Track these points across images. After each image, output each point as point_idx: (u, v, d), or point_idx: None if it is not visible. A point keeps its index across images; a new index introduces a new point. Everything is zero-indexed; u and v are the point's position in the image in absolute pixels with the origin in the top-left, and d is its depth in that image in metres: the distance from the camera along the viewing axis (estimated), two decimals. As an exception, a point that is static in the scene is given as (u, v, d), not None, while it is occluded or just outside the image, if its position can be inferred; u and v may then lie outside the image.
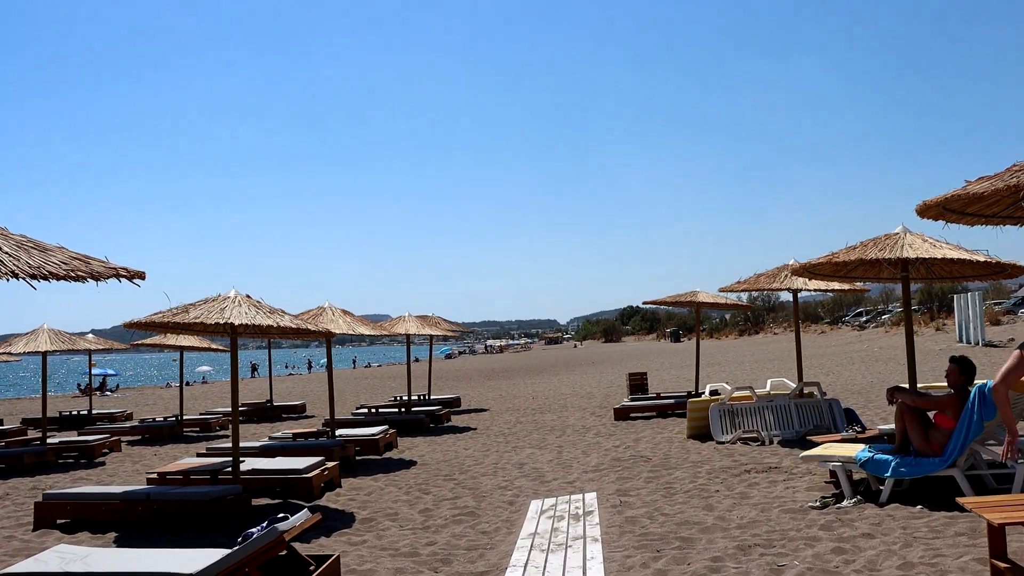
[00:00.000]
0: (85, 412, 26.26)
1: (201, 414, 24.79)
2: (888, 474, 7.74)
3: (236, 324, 9.09)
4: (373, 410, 19.97)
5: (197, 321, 8.97)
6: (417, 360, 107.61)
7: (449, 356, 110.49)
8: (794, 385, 14.33)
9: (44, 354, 15.71)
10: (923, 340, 46.06)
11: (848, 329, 73.45)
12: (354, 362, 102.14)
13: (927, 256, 8.33)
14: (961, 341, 41.11)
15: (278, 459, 11.33)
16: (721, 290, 14.10)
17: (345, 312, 14.02)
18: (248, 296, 10.00)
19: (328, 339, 14.06)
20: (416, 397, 24.57)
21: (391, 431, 15.17)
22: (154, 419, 21.85)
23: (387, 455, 14.36)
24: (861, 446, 8.51)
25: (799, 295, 14.40)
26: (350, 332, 13.36)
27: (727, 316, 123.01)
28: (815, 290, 13.51)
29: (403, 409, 19.54)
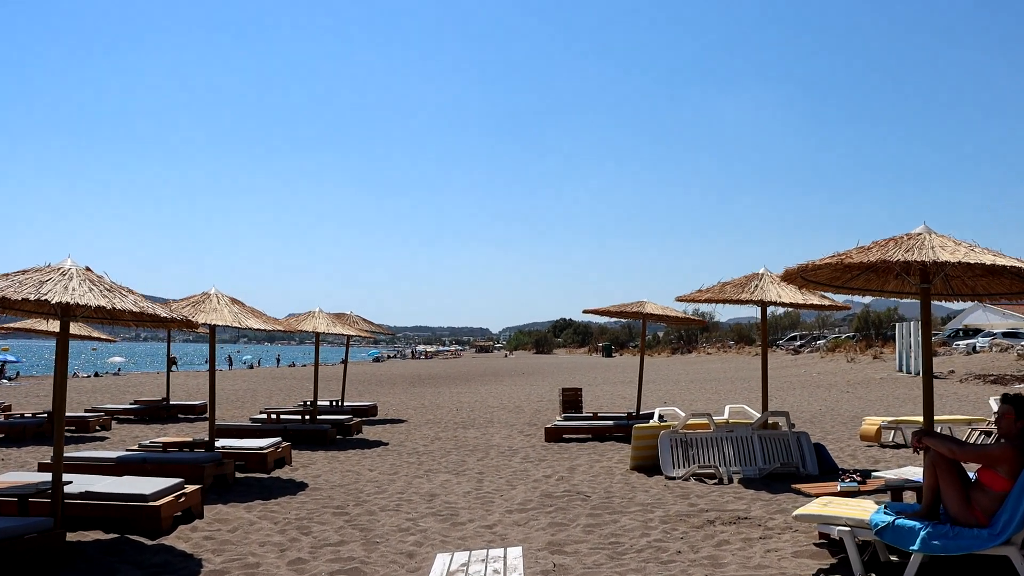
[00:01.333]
0: (-46, 402, 23.43)
1: (86, 410, 22.14)
2: (916, 547, 5.75)
3: (55, 302, 6.81)
4: (274, 416, 17.62)
5: None
6: (379, 360, 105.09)
7: (377, 359, 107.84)
8: (756, 414, 12.42)
9: None
10: (861, 368, 44.98)
11: (782, 352, 72.62)
12: (278, 360, 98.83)
13: (971, 261, 6.36)
14: (901, 371, 40.01)
15: (126, 479, 8.99)
16: (680, 299, 12.09)
17: (235, 301, 11.70)
18: (88, 269, 7.71)
19: (212, 331, 11.77)
20: (328, 403, 22.23)
21: (283, 445, 12.88)
22: (22, 414, 19.15)
23: (276, 473, 12.07)
24: (870, 504, 6.54)
25: (752, 311, 12.47)
26: (235, 325, 11.06)
27: (660, 333, 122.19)
28: (789, 305, 11.57)
29: (307, 417, 17.22)
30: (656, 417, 13.10)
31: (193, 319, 10.66)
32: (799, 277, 7.85)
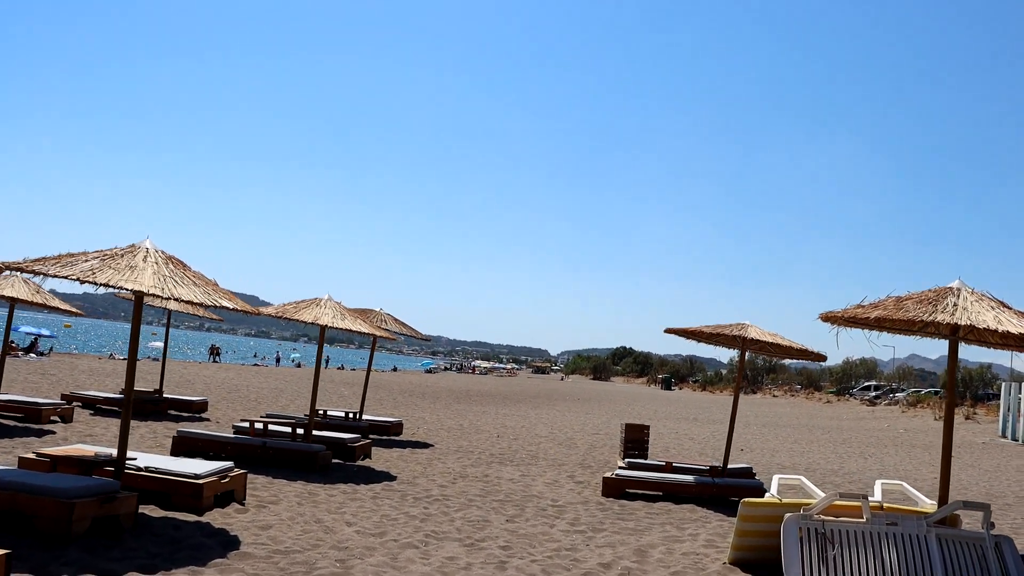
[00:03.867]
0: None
1: (63, 396, 18.74)
2: None
3: None
4: (262, 425, 13.94)
5: None
6: (395, 370, 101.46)
7: (430, 371, 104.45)
8: (921, 496, 8.37)
9: None
10: (953, 429, 40.07)
11: (856, 402, 67.42)
12: (326, 361, 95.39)
13: None
14: (1005, 436, 35.14)
15: None
16: (827, 319, 8.04)
17: (172, 260, 7.98)
18: None
19: (137, 301, 8.09)
20: (344, 414, 18.55)
21: (234, 474, 9.15)
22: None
23: (211, 516, 8.32)
24: None
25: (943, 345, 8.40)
26: (157, 292, 7.37)
27: (723, 371, 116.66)
28: (1009, 341, 7.50)
29: (300, 431, 13.50)
30: (773, 488, 8.95)
31: (93, 277, 7.05)
32: None
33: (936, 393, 61.20)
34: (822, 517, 7.38)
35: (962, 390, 58.09)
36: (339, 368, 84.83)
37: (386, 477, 12.12)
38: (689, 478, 12.21)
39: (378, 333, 12.95)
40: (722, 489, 11.91)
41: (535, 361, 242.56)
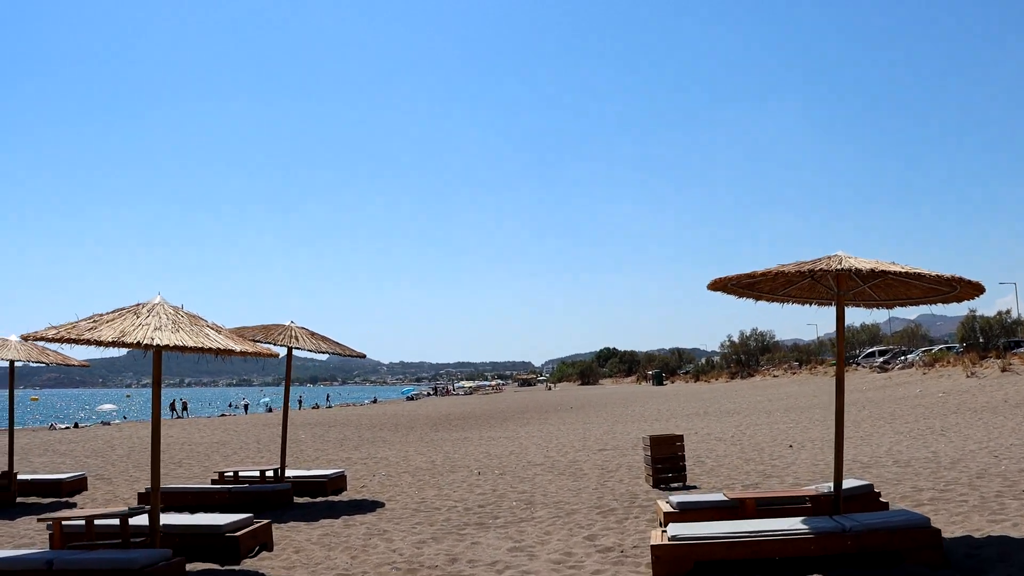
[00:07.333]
0: None
1: None
2: None
3: None
4: (85, 521, 8.68)
5: None
6: (413, 398, 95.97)
7: (411, 398, 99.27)
8: None
9: None
10: (996, 384, 35.27)
11: (865, 371, 62.51)
12: (300, 402, 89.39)
13: None
14: (1067, 386, 30.41)
15: None
16: None
17: None
18: None
19: None
20: (258, 473, 13.33)
21: None
22: None
23: None
24: None
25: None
26: None
27: (716, 358, 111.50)
28: None
29: (131, 523, 8.23)
30: None
31: None
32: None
33: (951, 350, 56.46)
34: None
35: (982, 341, 53.34)
36: (314, 407, 79.00)
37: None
38: (798, 523, 7.04)
39: (238, 349, 7.67)
40: (861, 539, 6.75)
41: (520, 374, 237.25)
